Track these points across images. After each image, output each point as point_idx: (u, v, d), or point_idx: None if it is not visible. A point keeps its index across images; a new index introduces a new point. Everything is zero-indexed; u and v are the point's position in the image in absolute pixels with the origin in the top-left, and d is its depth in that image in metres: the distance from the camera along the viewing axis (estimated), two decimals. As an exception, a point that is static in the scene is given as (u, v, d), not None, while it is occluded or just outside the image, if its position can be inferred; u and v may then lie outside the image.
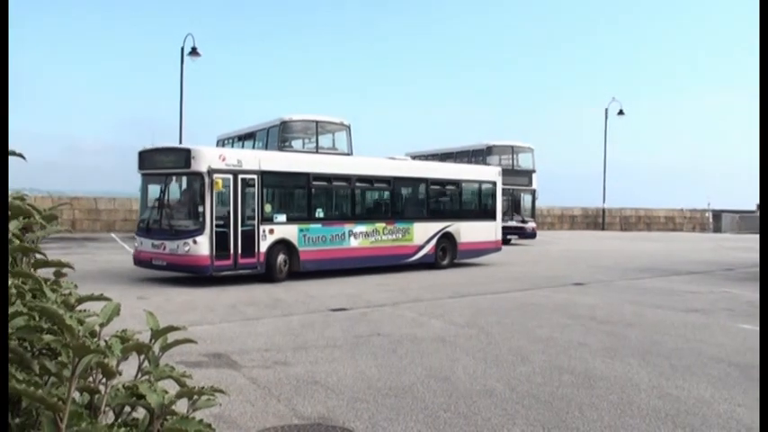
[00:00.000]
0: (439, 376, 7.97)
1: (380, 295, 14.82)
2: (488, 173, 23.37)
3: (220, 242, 15.92)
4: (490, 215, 22.78)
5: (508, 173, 33.32)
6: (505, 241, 33.17)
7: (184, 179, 16.69)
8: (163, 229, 16.31)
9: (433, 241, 20.77)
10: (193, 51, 32.46)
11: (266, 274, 16.76)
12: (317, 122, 23.76)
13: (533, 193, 34.05)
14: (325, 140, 23.92)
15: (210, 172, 15.61)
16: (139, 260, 16.81)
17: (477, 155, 33.88)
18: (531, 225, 33.64)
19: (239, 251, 16.26)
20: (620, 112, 50.70)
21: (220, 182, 15.65)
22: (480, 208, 22.77)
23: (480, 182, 22.80)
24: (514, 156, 34.03)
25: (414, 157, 39.69)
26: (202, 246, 15.61)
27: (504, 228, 32.94)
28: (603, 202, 52.69)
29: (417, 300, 14.16)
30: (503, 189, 33.78)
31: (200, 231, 15.67)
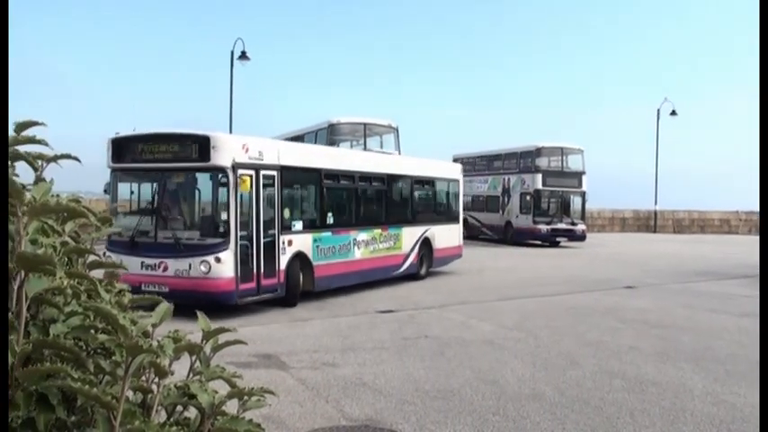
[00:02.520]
0: (487, 379, 7.91)
1: (427, 297, 14.79)
2: (453, 169, 21.92)
3: (244, 259, 12.25)
4: (455, 217, 21.14)
5: (557, 175, 32.97)
6: (554, 243, 32.86)
7: (198, 176, 12.89)
8: (161, 244, 12.14)
9: (416, 248, 18.38)
10: (243, 56, 32.84)
11: (286, 298, 13.30)
12: (365, 125, 23.78)
13: (583, 195, 33.57)
14: (373, 143, 23.92)
15: (235, 167, 11.96)
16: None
17: (526, 157, 33.57)
18: (580, 227, 33.18)
19: (261, 270, 12.66)
20: (673, 113, 49.74)
21: (248, 180, 12.27)
22: (448, 209, 20.94)
23: (449, 180, 20.91)
24: (564, 157, 33.61)
25: (459, 160, 39.61)
26: (227, 265, 11.74)
27: (553, 230, 32.69)
28: (655, 203, 51.73)
29: (465, 302, 14.09)
30: (553, 191, 33.70)
31: (224, 246, 11.77)
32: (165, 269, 11.96)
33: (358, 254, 15.87)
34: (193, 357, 1.98)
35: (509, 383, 7.77)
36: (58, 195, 1.98)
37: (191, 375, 1.97)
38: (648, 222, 51.68)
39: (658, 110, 50.93)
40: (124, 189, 13.51)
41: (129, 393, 1.73)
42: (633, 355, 9.31)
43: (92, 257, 2.15)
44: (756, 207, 57.97)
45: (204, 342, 2.01)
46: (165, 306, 1.96)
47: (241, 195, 12.24)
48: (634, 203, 53.23)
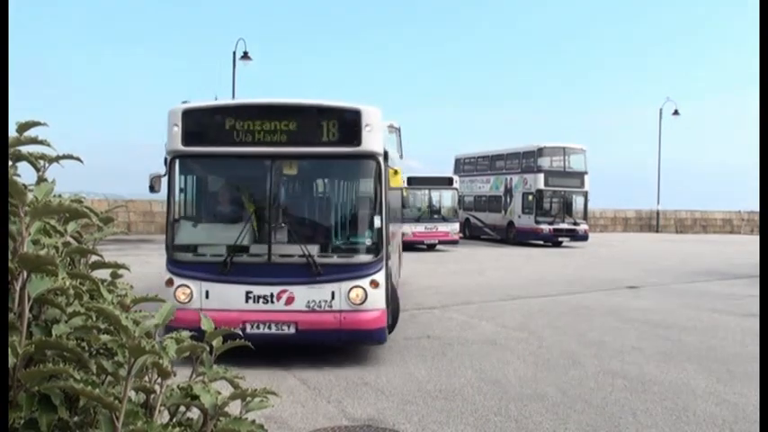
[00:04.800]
0: (489, 379, 7.91)
1: (430, 297, 14.78)
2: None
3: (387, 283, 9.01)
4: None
5: (560, 175, 32.95)
6: (557, 244, 32.85)
7: (337, 166, 9.38)
8: (280, 265, 8.50)
9: None
10: (245, 56, 32.87)
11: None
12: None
13: (585, 195, 33.55)
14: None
15: (386, 155, 8.93)
16: (194, 329, 5.73)
17: (528, 156, 33.56)
18: (583, 227, 33.17)
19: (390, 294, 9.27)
20: (676, 113, 49.74)
21: (399, 175, 9.79)
22: None
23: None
24: (566, 157, 33.59)
25: (461, 160, 39.51)
26: (382, 290, 8.57)
27: (555, 230, 32.68)
28: (658, 203, 51.72)
29: (467, 302, 14.09)
30: (555, 191, 33.68)
31: (379, 264, 8.59)
32: (290, 301, 8.38)
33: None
34: (196, 358, 1.98)
35: (511, 383, 7.77)
36: (60, 196, 1.98)
37: (194, 376, 1.97)
38: (651, 222, 51.66)
39: (661, 109, 50.93)
40: (197, 184, 9.67)
41: (132, 394, 1.73)
42: (635, 355, 9.30)
43: (94, 258, 2.15)
44: (758, 207, 57.78)
45: (207, 343, 2.01)
46: (167, 306, 1.96)
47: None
48: (636, 203, 53.26)
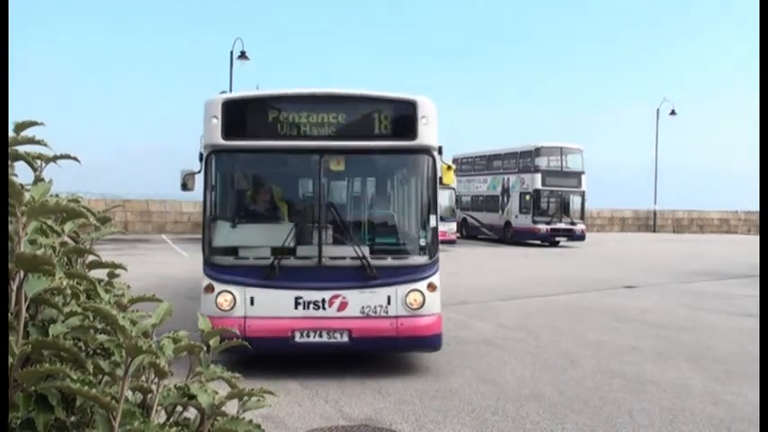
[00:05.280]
0: (486, 379, 7.91)
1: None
2: None
3: None
4: None
5: (557, 174, 32.98)
6: (554, 243, 32.88)
7: (391, 162, 8.97)
8: (331, 268, 7.89)
9: None
10: (242, 55, 32.86)
11: None
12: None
13: (582, 194, 33.60)
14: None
15: (440, 150, 8.34)
16: (246, 336, 7.22)
17: (525, 156, 33.61)
18: (580, 227, 33.21)
19: None
20: (673, 113, 49.79)
21: (452, 171, 8.64)
22: None
23: None
24: (563, 157, 33.63)
25: (458, 160, 39.52)
26: (438, 296, 8.13)
27: (552, 230, 32.72)
28: (655, 203, 51.81)
29: (464, 302, 14.09)
30: (552, 191, 33.72)
31: (435, 266, 8.17)
32: (343, 307, 7.81)
33: None
34: (193, 358, 1.98)
35: (508, 383, 7.77)
36: (57, 195, 1.98)
37: (191, 376, 1.97)
38: (648, 222, 51.73)
39: (658, 109, 51.01)
40: (238, 181, 9.11)
41: (129, 394, 1.73)
42: (633, 355, 9.31)
43: (91, 257, 2.15)
44: (755, 207, 57.95)
45: (204, 342, 2.01)
46: (165, 306, 1.96)
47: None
48: (633, 203, 53.32)
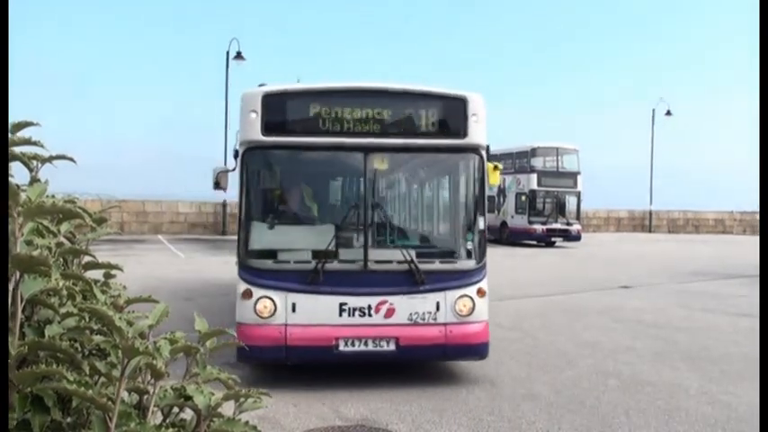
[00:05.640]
0: (483, 379, 7.92)
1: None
2: None
3: None
4: None
5: (553, 175, 33.01)
6: (550, 244, 32.90)
7: (438, 161, 8.64)
8: (377, 273, 7.50)
9: None
10: (238, 56, 32.85)
11: None
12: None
13: (578, 195, 33.64)
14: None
15: (488, 149, 7.95)
16: (277, 346, 7.27)
17: (521, 157, 33.63)
18: (576, 227, 33.24)
19: None
20: (668, 113, 49.86)
21: (498, 171, 8.23)
22: None
23: None
24: (559, 157, 33.66)
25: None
26: (486, 302, 7.82)
27: (548, 230, 32.75)
28: (651, 203, 51.84)
29: (461, 302, 14.07)
30: (548, 191, 33.75)
31: (483, 270, 7.86)
32: (390, 314, 7.40)
33: None
34: (190, 359, 1.98)
35: (505, 383, 7.78)
36: (53, 196, 1.98)
37: (187, 377, 1.96)
38: (643, 222, 51.79)
39: (653, 110, 51.06)
40: (277, 179, 8.55)
41: (125, 395, 1.73)
42: (629, 355, 9.32)
43: (87, 258, 2.15)
44: (750, 207, 58.14)
45: (201, 343, 2.01)
46: (161, 307, 1.95)
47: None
48: (629, 203, 53.34)
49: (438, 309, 7.46)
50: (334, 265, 7.43)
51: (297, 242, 7.88)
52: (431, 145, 7.77)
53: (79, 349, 1.82)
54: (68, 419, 1.73)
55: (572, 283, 18.14)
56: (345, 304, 7.32)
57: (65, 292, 1.79)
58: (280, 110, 7.53)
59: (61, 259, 2.00)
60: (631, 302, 14.55)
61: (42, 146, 1.97)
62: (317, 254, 7.51)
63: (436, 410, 6.74)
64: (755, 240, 44.83)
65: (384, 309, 7.38)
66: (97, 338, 1.80)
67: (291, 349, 7.22)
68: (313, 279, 7.30)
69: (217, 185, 8.12)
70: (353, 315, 7.33)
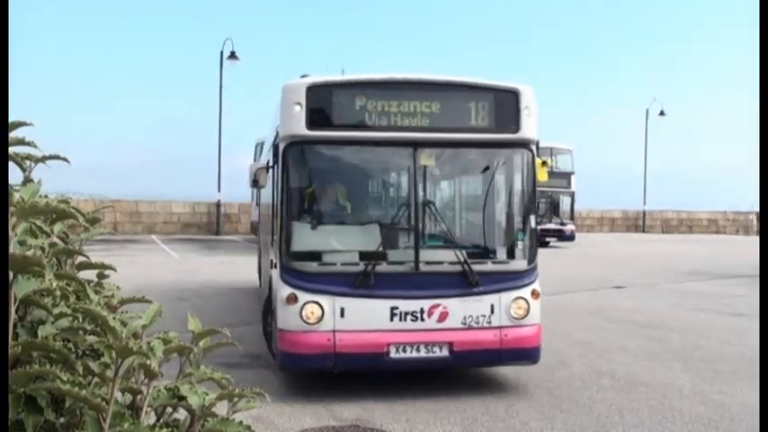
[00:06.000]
0: (476, 379, 7.92)
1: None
2: None
3: None
4: None
5: (547, 175, 33.02)
6: (544, 244, 32.94)
7: (489, 156, 8.02)
8: (429, 275, 7.21)
9: None
10: (232, 56, 32.82)
11: None
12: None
13: (572, 195, 33.70)
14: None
15: (538, 144, 7.63)
16: (325, 354, 6.93)
17: (516, 157, 33.63)
18: (569, 227, 33.31)
19: None
20: (662, 113, 49.98)
21: (545, 167, 8.07)
22: None
23: None
24: (553, 157, 33.67)
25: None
26: (539, 304, 7.53)
27: (542, 230, 32.71)
28: (644, 204, 51.97)
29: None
30: (542, 191, 33.72)
31: (535, 272, 7.59)
32: (443, 317, 7.05)
33: None
34: (183, 358, 1.98)
35: (498, 383, 7.78)
36: (46, 196, 1.97)
37: (181, 377, 1.96)
38: (637, 222, 51.91)
39: (647, 110, 51.19)
40: (321, 176, 8.06)
41: (119, 395, 1.73)
42: (622, 355, 9.35)
43: (80, 258, 2.15)
44: (743, 207, 58.36)
45: (194, 343, 2.01)
46: (155, 307, 1.95)
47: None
48: (623, 204, 53.48)
49: (493, 311, 7.16)
50: (383, 267, 7.07)
51: (343, 243, 7.55)
52: (482, 140, 7.46)
53: (73, 349, 1.82)
54: (62, 420, 1.73)
55: (565, 283, 18.16)
56: (397, 308, 6.96)
57: (58, 293, 1.78)
58: (325, 102, 7.13)
59: (54, 259, 2.00)
60: (625, 302, 14.59)
61: (35, 146, 1.97)
62: (365, 255, 7.19)
63: (430, 410, 6.74)
64: (749, 240, 45.00)
65: (437, 312, 7.03)
66: (91, 339, 1.80)
67: (340, 357, 6.88)
68: (362, 282, 6.93)
69: (255, 183, 7.70)
70: (405, 319, 6.98)
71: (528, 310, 7.27)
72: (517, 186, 7.80)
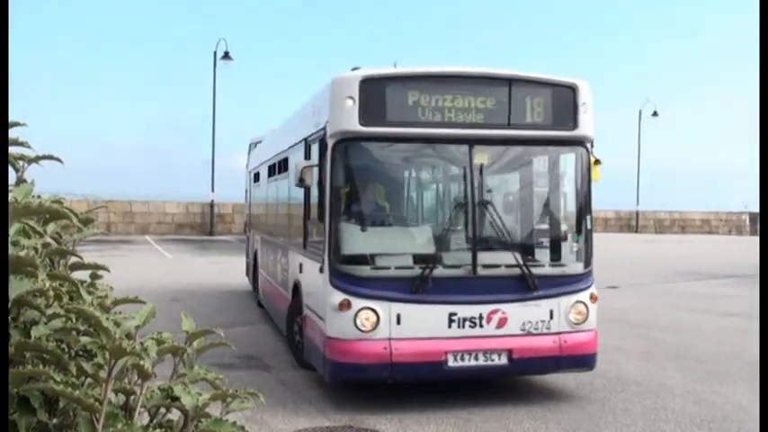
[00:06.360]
0: (470, 380, 7.92)
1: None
2: None
3: None
4: None
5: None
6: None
7: (544, 153, 7.72)
8: (487, 279, 6.89)
9: None
10: (226, 56, 32.79)
11: None
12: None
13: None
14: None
15: (593, 142, 7.41)
16: (381, 364, 6.58)
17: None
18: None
19: None
20: (655, 114, 50.08)
21: (598, 166, 7.53)
22: None
23: None
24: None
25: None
26: (595, 309, 7.30)
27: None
28: (637, 204, 52.07)
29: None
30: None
31: (592, 275, 7.43)
32: (502, 323, 6.78)
33: None
34: (177, 359, 1.98)
35: (491, 383, 7.78)
36: (39, 196, 1.97)
37: (174, 377, 1.96)
38: (630, 223, 52.01)
39: (640, 111, 51.29)
40: (372, 175, 7.60)
41: (112, 396, 1.73)
42: (615, 355, 9.36)
43: (73, 259, 2.14)
44: (735, 208, 58.53)
45: (188, 344, 2.01)
46: (148, 307, 1.95)
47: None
48: (616, 204, 53.56)
49: (551, 317, 6.91)
50: (440, 271, 6.73)
51: (397, 245, 7.23)
52: (539, 137, 7.18)
53: (66, 350, 1.81)
54: (55, 420, 1.72)
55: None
56: (455, 314, 6.65)
57: (51, 293, 1.78)
58: (379, 96, 6.71)
59: (47, 260, 2.00)
60: (618, 302, 14.60)
61: (29, 146, 1.97)
62: (420, 258, 6.87)
63: (423, 411, 6.73)
64: (741, 240, 45.16)
65: (496, 318, 6.74)
66: (84, 339, 1.80)
67: (397, 366, 6.52)
68: (420, 286, 6.60)
69: (301, 182, 7.12)
70: (463, 326, 6.67)
71: (587, 315, 7.06)
72: (573, 186, 7.53)
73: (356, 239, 7.02)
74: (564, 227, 7.70)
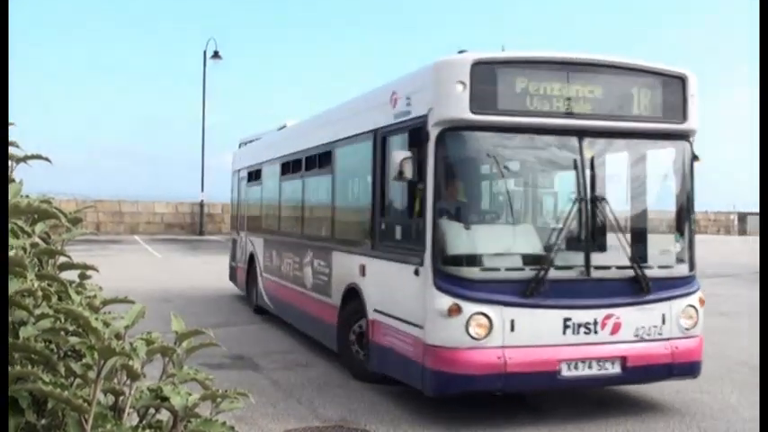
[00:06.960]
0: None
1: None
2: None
3: None
4: None
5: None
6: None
7: (651, 146, 7.18)
8: (601, 281, 6.49)
9: None
10: (216, 55, 32.73)
11: None
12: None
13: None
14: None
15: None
16: (494, 375, 6.04)
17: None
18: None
19: None
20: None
21: (698, 160, 7.21)
22: None
23: None
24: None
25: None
26: (702, 314, 6.86)
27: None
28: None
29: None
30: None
31: (697, 279, 6.99)
32: (616, 329, 6.33)
33: None
34: (166, 359, 1.97)
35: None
36: (27, 196, 1.96)
37: (163, 377, 1.95)
38: (620, 222, 52.04)
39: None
40: (478, 168, 7.16)
41: (101, 396, 1.72)
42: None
43: (62, 259, 2.13)
44: (725, 208, 58.80)
45: (177, 344, 2.00)
46: (137, 307, 1.94)
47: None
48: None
49: (663, 322, 6.49)
50: (553, 273, 6.26)
51: (506, 245, 6.77)
52: (649, 130, 6.74)
53: (54, 350, 1.81)
54: (43, 421, 1.72)
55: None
56: (569, 319, 6.19)
57: (40, 293, 1.77)
58: (491, 82, 6.20)
59: (36, 260, 1.99)
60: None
61: (18, 146, 1.96)
62: (531, 259, 6.44)
63: (415, 411, 6.74)
64: (730, 240, 45.41)
65: (610, 323, 6.29)
66: (73, 339, 1.79)
67: (510, 377, 6.01)
68: (534, 290, 6.11)
69: (400, 175, 6.31)
70: (578, 332, 6.21)
71: (697, 320, 6.68)
72: (679, 182, 7.12)
73: (463, 238, 6.53)
74: (670, 226, 7.37)
